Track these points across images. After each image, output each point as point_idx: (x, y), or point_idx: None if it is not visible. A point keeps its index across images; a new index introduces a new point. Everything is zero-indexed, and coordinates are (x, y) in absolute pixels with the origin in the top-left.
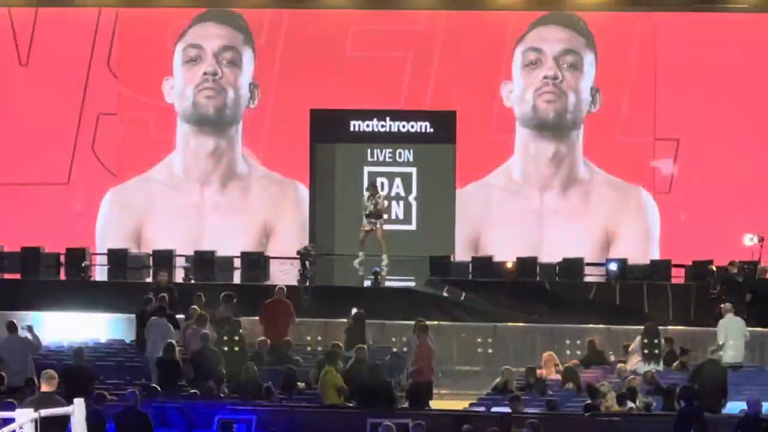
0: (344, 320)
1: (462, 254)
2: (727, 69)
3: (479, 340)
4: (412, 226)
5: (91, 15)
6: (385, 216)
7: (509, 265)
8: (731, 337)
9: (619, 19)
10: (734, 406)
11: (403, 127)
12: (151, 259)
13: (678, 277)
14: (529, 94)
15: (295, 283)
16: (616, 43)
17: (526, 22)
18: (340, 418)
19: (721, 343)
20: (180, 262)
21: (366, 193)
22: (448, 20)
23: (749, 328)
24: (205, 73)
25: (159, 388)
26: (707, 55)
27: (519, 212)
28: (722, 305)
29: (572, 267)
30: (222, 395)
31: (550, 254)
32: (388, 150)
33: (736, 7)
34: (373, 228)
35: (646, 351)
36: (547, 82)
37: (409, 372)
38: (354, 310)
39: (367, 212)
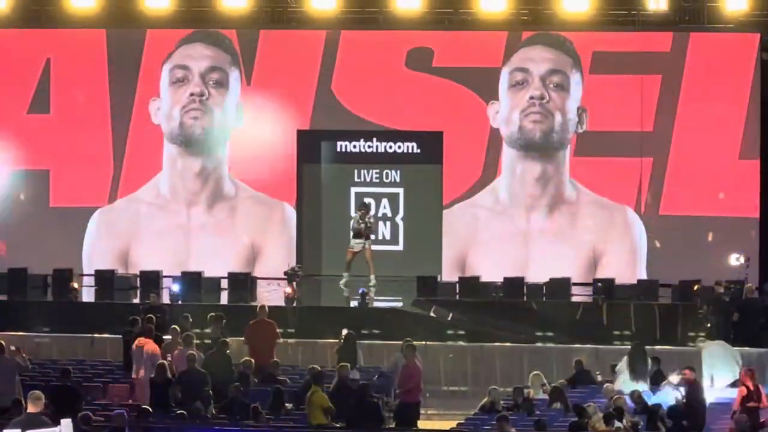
0: (332, 340)
1: (449, 274)
2: (713, 87)
3: (466, 360)
4: (399, 247)
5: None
6: (373, 236)
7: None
8: (717, 363)
9: (606, 39)
10: None
11: (390, 147)
12: (138, 280)
13: (665, 296)
14: (516, 114)
15: (282, 303)
16: (604, 62)
17: (513, 42)
18: None
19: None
20: (167, 282)
21: (357, 214)
22: (435, 41)
23: (736, 348)
24: (191, 94)
25: (150, 410)
26: (694, 74)
27: (506, 232)
28: (698, 340)
29: (559, 287)
30: (209, 416)
31: (537, 274)
32: (375, 170)
33: (721, 27)
34: (362, 248)
35: (632, 370)
36: (534, 102)
37: (397, 392)
38: (345, 331)
39: (357, 233)
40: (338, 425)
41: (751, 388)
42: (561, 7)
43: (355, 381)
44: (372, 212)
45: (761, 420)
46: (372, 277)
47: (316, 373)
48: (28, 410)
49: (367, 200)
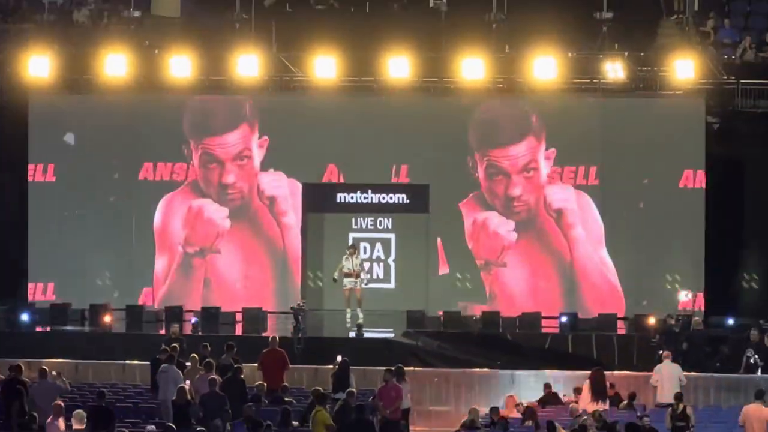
0: (332, 366)
1: (435, 309)
2: (663, 143)
3: (449, 383)
4: (391, 285)
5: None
6: (366, 276)
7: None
8: (667, 379)
9: (568, 103)
10: None
11: (383, 198)
12: (163, 314)
13: (622, 328)
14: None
15: (289, 334)
16: (566, 124)
17: (491, 108)
18: None
19: (654, 384)
20: (189, 317)
21: (346, 252)
22: (421, 104)
23: (685, 373)
24: None
25: (174, 427)
26: (646, 132)
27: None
28: (661, 352)
29: (530, 320)
30: None
31: (512, 308)
32: (370, 218)
33: (671, 94)
34: (353, 287)
35: (593, 392)
36: (512, 199)
37: (388, 412)
38: (339, 358)
39: (347, 271)
40: None
41: (678, 410)
42: (531, 76)
43: (347, 402)
44: (363, 256)
45: None
46: (359, 310)
47: (319, 395)
48: (74, 428)
49: (362, 245)
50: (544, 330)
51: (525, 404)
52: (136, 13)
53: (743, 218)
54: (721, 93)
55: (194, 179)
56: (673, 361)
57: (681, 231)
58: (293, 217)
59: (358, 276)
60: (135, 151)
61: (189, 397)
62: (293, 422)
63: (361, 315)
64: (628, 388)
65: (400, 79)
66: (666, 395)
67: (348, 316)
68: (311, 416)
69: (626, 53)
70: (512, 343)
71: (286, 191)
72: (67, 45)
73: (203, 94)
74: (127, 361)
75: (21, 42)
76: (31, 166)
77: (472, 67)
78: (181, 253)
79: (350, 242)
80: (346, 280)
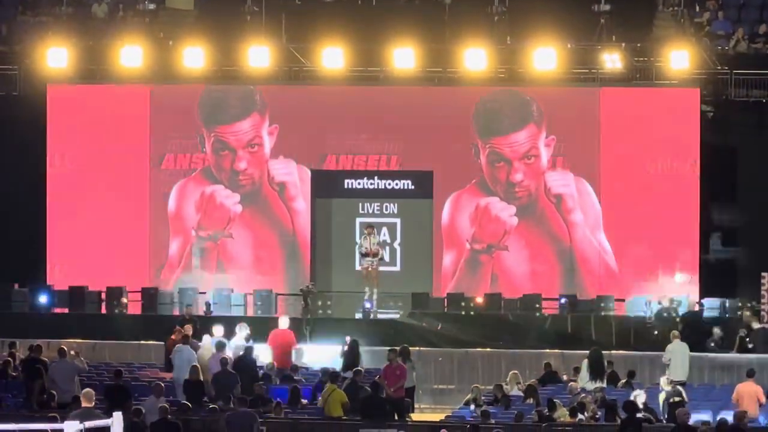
0: (340, 346)
1: (438, 291)
2: (659, 132)
3: (453, 362)
4: (397, 268)
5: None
6: (383, 257)
7: (479, 300)
8: (678, 358)
9: (568, 93)
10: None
11: (389, 184)
12: (177, 295)
13: (619, 309)
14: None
15: (299, 315)
16: (565, 113)
17: (493, 98)
18: (336, 428)
19: (666, 362)
20: (202, 298)
21: (364, 232)
22: (425, 93)
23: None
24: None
25: (188, 404)
26: (643, 121)
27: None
28: (672, 334)
29: (531, 301)
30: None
31: (513, 290)
32: (376, 204)
33: (667, 83)
34: (370, 267)
35: (591, 371)
36: (514, 185)
37: (391, 390)
38: (348, 338)
39: (363, 251)
40: (345, 417)
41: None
42: (532, 67)
43: (355, 380)
44: (379, 238)
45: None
46: (375, 291)
47: (332, 374)
48: (83, 405)
49: (371, 224)
50: (544, 311)
51: (527, 383)
52: (151, 6)
53: (736, 203)
54: (715, 83)
55: (207, 166)
56: (682, 340)
57: (676, 216)
58: (302, 203)
59: (375, 255)
60: (149, 139)
61: (201, 375)
62: (302, 400)
63: (376, 295)
64: (625, 367)
65: (406, 69)
66: (678, 373)
67: (366, 294)
68: (326, 395)
69: (623, 44)
70: (513, 323)
71: (295, 177)
72: (84, 36)
73: (216, 83)
74: (143, 341)
75: (40, 34)
76: (49, 154)
77: (474, 58)
78: (195, 237)
79: (358, 226)
80: (363, 260)
